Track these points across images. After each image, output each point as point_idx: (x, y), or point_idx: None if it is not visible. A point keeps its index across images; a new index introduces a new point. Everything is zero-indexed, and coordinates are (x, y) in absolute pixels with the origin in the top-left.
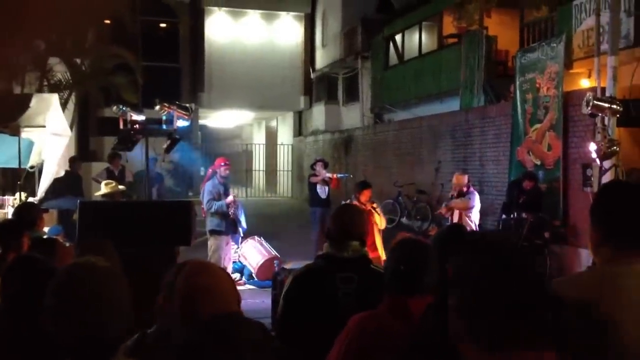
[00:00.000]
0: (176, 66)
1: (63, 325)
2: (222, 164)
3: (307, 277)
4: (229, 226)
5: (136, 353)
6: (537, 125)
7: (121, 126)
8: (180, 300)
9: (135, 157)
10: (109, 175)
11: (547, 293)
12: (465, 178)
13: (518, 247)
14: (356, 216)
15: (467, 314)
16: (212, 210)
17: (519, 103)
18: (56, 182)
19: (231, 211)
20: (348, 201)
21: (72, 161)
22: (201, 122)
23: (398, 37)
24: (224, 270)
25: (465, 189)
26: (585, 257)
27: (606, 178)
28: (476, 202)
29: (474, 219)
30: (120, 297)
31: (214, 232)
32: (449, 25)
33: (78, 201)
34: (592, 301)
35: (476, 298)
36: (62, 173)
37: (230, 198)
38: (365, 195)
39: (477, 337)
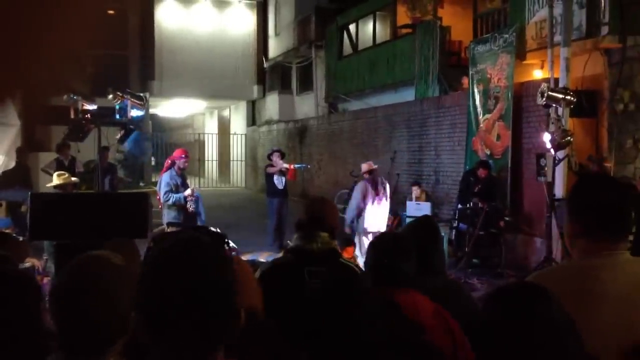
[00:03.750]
0: (125, 54)
1: (63, 315)
2: (183, 155)
3: (274, 271)
4: (187, 218)
5: None
6: (488, 116)
7: (72, 115)
8: None
9: (88, 147)
10: (59, 165)
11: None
12: (367, 166)
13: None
14: (327, 207)
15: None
16: (170, 202)
17: (472, 93)
18: (5, 173)
19: (189, 205)
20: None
21: (20, 151)
22: (152, 111)
23: (352, 27)
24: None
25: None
26: (539, 247)
27: (560, 168)
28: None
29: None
30: (122, 297)
31: (171, 224)
32: (403, 16)
33: (29, 193)
34: (568, 293)
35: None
36: (11, 164)
37: (188, 191)
38: (348, 253)
39: None
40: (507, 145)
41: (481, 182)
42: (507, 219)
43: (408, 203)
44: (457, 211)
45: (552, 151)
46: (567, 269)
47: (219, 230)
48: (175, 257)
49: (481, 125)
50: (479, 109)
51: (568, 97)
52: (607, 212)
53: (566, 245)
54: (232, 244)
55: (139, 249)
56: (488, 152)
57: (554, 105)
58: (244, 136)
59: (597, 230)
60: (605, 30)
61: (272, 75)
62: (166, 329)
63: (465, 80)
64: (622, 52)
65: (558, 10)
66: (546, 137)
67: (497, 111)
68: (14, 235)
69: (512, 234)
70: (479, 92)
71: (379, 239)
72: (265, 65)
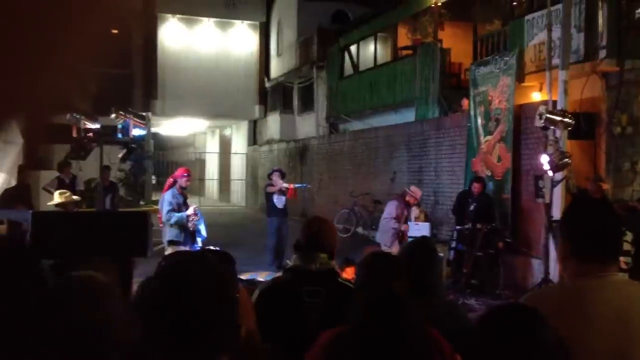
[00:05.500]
0: (128, 73)
1: (50, 334)
2: (185, 174)
3: (273, 290)
4: (187, 237)
5: None
6: (488, 137)
7: (74, 134)
8: None
9: (90, 165)
10: (60, 184)
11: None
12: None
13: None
14: (325, 227)
15: None
16: (172, 221)
17: (473, 115)
18: (6, 191)
19: (191, 224)
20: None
21: (21, 170)
22: (153, 129)
23: (353, 48)
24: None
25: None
26: (537, 268)
27: (558, 190)
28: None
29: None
30: (110, 315)
31: (172, 243)
32: (404, 37)
33: (30, 212)
34: (561, 315)
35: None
36: (13, 182)
37: (190, 210)
38: (348, 274)
39: None
40: (507, 167)
41: (476, 201)
42: (507, 240)
43: (407, 223)
44: (455, 232)
45: (550, 173)
46: (560, 290)
47: (218, 249)
48: (182, 273)
49: (482, 146)
50: (480, 130)
51: (566, 120)
52: (599, 234)
53: (558, 265)
54: None
55: (117, 269)
56: (489, 173)
57: (552, 127)
58: (244, 155)
59: (589, 252)
60: (603, 53)
61: (273, 95)
62: (167, 338)
63: (465, 102)
64: (620, 75)
65: (556, 33)
66: (544, 159)
67: (497, 133)
68: None
69: (510, 254)
70: (479, 113)
71: (370, 257)
72: (267, 85)
